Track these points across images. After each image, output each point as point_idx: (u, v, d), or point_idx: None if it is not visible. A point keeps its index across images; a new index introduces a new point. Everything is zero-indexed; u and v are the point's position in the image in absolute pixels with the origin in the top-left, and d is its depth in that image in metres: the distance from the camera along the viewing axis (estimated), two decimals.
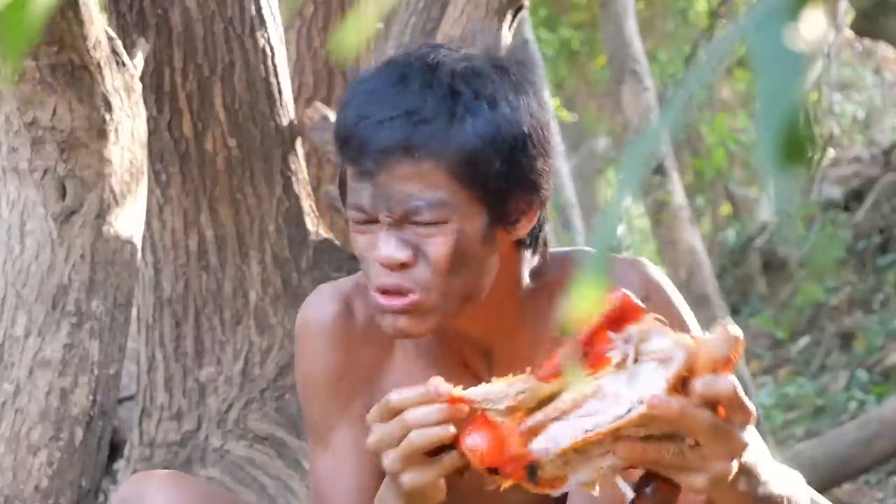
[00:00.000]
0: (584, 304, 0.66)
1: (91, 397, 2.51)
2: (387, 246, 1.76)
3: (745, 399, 1.56)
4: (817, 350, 7.69)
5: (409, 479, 1.65)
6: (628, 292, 1.62)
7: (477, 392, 1.62)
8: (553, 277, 1.88)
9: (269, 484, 3.03)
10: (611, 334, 1.59)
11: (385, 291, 1.77)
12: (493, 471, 1.61)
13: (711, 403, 1.54)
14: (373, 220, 1.77)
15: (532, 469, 1.60)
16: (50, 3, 0.75)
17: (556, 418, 1.59)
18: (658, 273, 1.93)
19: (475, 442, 1.61)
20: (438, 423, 1.62)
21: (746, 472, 1.61)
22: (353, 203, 1.78)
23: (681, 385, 1.54)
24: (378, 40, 3.74)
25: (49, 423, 2.48)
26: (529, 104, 1.78)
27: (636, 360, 1.57)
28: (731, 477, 1.58)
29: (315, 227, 3.14)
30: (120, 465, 3.63)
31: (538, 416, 1.59)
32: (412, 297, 1.77)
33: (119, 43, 2.59)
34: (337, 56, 3.50)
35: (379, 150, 1.73)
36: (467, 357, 1.91)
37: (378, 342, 1.92)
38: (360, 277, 1.93)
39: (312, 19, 3.71)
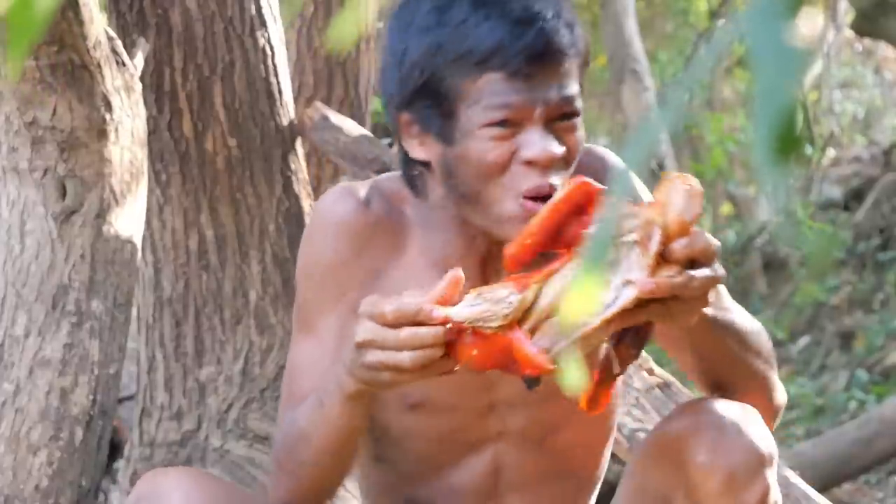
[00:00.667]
0: (582, 298, 0.66)
1: (91, 397, 2.51)
2: (546, 142, 1.75)
3: (711, 239, 1.63)
4: (817, 350, 7.69)
5: (386, 377, 1.67)
6: (586, 178, 1.65)
7: (467, 314, 1.63)
8: None
9: (269, 483, 3.03)
10: (583, 225, 1.62)
11: (533, 197, 1.75)
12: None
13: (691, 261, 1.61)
14: (517, 124, 1.76)
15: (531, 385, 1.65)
16: (53, 3, 0.75)
17: (548, 316, 1.61)
18: (615, 157, 1.95)
19: (474, 358, 1.64)
20: (432, 346, 1.63)
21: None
22: (500, 103, 1.76)
23: (659, 255, 1.59)
24: (379, 39, 3.74)
25: (49, 422, 2.48)
26: None
27: (611, 242, 1.60)
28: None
29: None
30: (120, 464, 3.63)
31: (530, 321, 1.61)
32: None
33: (119, 43, 2.59)
34: (334, 49, 3.50)
35: (542, 50, 1.75)
36: (479, 264, 1.89)
37: (391, 239, 1.90)
38: (382, 180, 1.94)
39: (312, 19, 3.71)
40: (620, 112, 8.26)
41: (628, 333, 1.65)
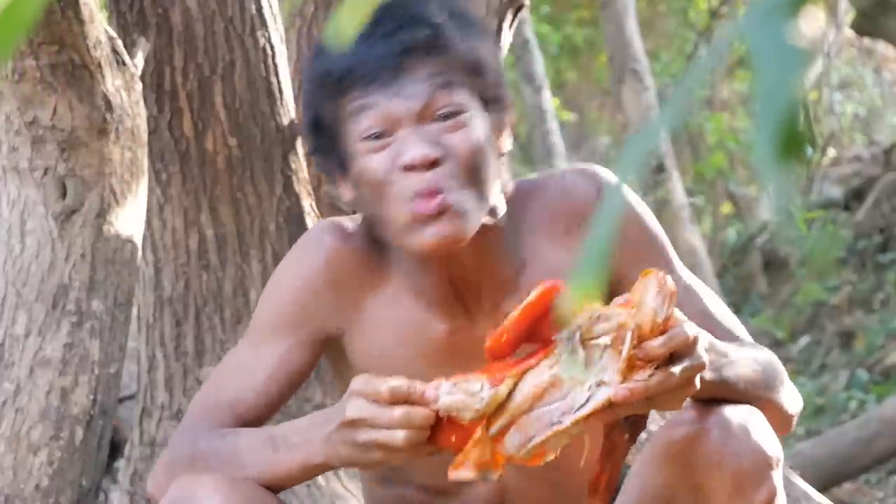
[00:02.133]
0: (578, 302, 0.67)
1: (91, 396, 2.51)
2: (417, 146, 1.75)
3: (689, 330, 1.63)
4: (818, 349, 7.69)
5: (377, 456, 1.68)
6: (557, 283, 1.65)
7: (442, 402, 1.65)
8: (519, 208, 1.90)
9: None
10: (559, 325, 1.63)
11: (419, 197, 1.76)
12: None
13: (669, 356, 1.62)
14: (389, 132, 1.76)
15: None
16: (39, 5, 0.75)
17: (523, 413, 1.63)
18: (609, 176, 1.94)
19: (453, 444, 1.66)
20: (421, 428, 1.64)
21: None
22: (368, 115, 1.76)
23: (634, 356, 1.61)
24: None
25: (49, 422, 2.48)
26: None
27: (584, 344, 1.61)
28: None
29: None
30: (120, 464, 3.63)
31: (504, 416, 1.64)
32: (446, 197, 1.75)
33: (119, 42, 2.59)
34: (332, 43, 3.50)
35: (396, 53, 1.74)
36: (454, 291, 1.90)
37: (373, 272, 1.91)
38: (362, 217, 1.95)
39: (313, 18, 3.70)
40: (621, 112, 8.26)
41: (619, 423, 1.67)
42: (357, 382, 1.68)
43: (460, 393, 1.64)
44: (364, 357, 1.91)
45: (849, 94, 11.51)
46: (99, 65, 2.47)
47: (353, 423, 1.67)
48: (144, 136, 2.62)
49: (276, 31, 3.09)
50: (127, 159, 2.56)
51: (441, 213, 1.75)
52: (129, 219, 2.58)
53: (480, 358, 1.71)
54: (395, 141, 1.76)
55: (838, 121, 10.74)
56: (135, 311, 3.12)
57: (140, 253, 2.66)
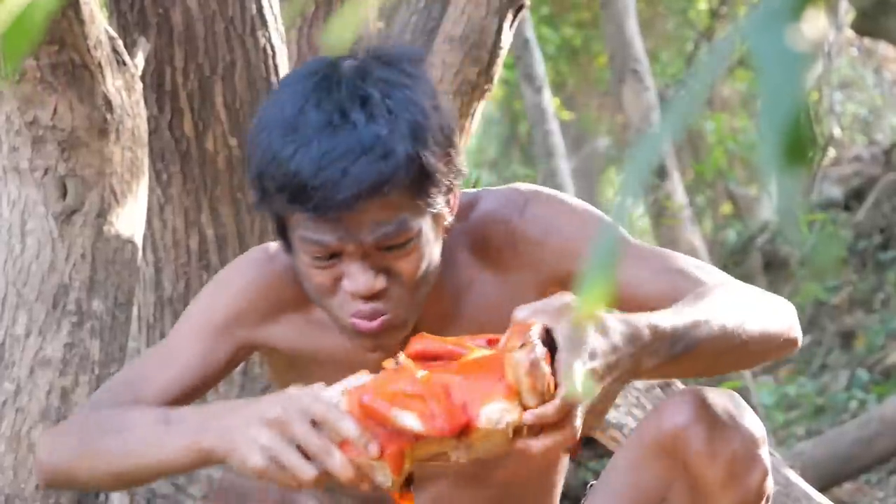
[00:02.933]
0: (590, 304, 0.66)
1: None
2: (364, 278, 1.76)
3: (569, 394, 1.60)
4: (818, 349, 7.69)
5: (267, 469, 1.67)
6: (429, 342, 1.68)
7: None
8: (451, 238, 1.88)
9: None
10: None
11: (360, 317, 1.78)
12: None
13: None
14: (335, 256, 1.77)
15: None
16: (51, 7, 0.75)
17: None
18: (537, 192, 1.92)
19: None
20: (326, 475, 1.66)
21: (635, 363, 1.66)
22: (312, 241, 1.76)
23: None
24: (379, 39, 3.74)
25: (50, 422, 2.48)
26: (433, 92, 1.80)
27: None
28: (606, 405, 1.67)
29: None
30: None
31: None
32: (388, 316, 1.78)
33: (120, 42, 2.59)
34: (330, 50, 3.50)
35: (349, 196, 1.71)
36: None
37: (298, 291, 1.91)
38: None
39: (313, 18, 3.70)
40: (621, 111, 8.25)
41: None
42: (299, 389, 1.69)
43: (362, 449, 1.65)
44: (291, 376, 1.91)
45: (849, 94, 11.51)
46: (99, 65, 2.46)
47: (271, 423, 1.66)
48: (145, 136, 2.62)
49: (277, 31, 3.09)
50: (127, 159, 2.56)
51: (380, 330, 1.78)
52: (130, 219, 2.58)
53: None
54: (340, 263, 1.77)
55: (838, 121, 10.74)
56: (135, 311, 3.12)
57: (140, 253, 2.66)
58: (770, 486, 1.84)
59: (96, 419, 1.89)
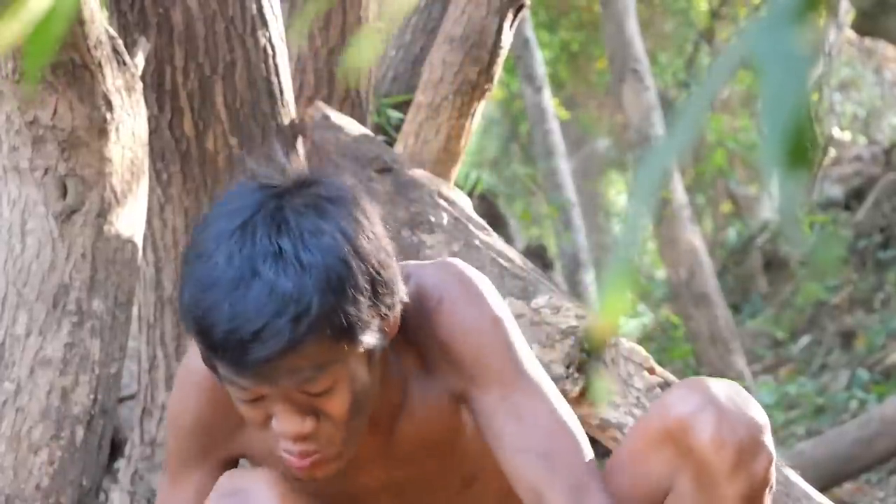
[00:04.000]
0: (610, 314, 0.66)
1: (92, 396, 2.51)
2: (290, 423, 1.75)
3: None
4: (818, 349, 7.69)
5: None
6: None
7: None
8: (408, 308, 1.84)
9: None
10: None
11: (292, 456, 1.78)
12: None
13: None
14: (261, 399, 1.75)
15: None
16: (70, 13, 0.75)
17: None
18: (468, 270, 1.88)
19: None
20: None
21: None
22: (234, 385, 1.74)
23: None
24: (379, 38, 3.73)
25: (50, 421, 2.48)
26: (355, 232, 1.74)
27: None
28: None
29: None
30: (121, 464, 3.63)
31: None
32: (319, 456, 1.78)
33: (120, 42, 2.58)
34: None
35: (261, 357, 1.69)
36: None
37: None
38: None
39: (313, 18, 3.70)
40: (621, 111, 8.25)
41: None
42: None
43: None
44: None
45: (849, 94, 11.51)
46: (99, 64, 2.46)
47: None
48: (145, 135, 2.61)
49: (277, 30, 3.09)
50: (127, 159, 2.56)
51: (313, 466, 1.79)
52: (130, 218, 2.58)
53: (372, 473, 1.83)
54: (266, 403, 1.76)
55: (838, 121, 10.75)
56: (135, 310, 3.12)
57: (141, 252, 2.66)
58: (774, 473, 1.86)
59: None
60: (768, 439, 1.84)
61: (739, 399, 1.83)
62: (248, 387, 1.74)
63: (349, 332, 1.71)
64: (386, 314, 1.76)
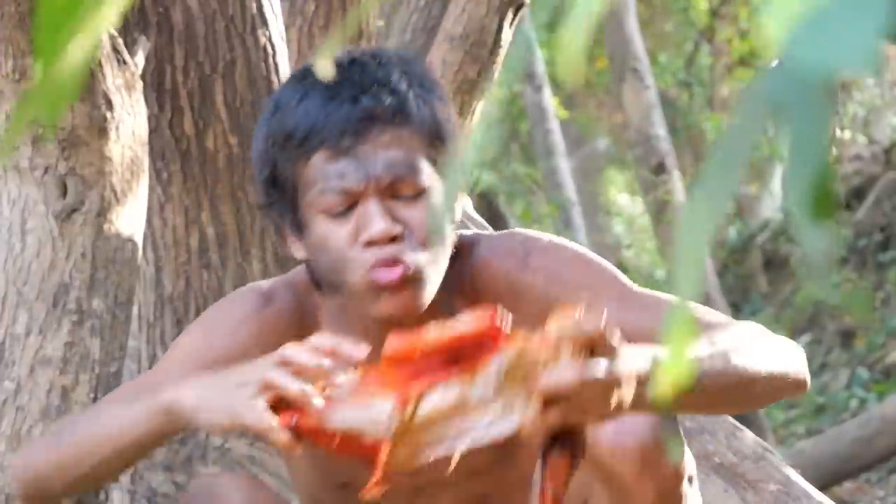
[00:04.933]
0: (674, 366, 0.65)
1: (92, 396, 2.51)
2: (381, 220, 1.74)
3: (609, 337, 1.55)
4: (818, 348, 7.69)
5: (255, 418, 1.62)
6: (497, 312, 1.62)
7: (341, 422, 1.63)
8: (450, 271, 1.85)
9: (269, 482, 3.03)
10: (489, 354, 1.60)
11: (380, 267, 1.75)
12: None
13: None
14: (351, 205, 1.75)
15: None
16: (85, 63, 0.75)
17: (419, 430, 1.61)
18: (536, 246, 1.89)
19: (334, 448, 1.64)
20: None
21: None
22: (331, 187, 1.74)
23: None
24: (379, 39, 3.74)
25: (50, 421, 2.48)
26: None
27: (505, 375, 1.58)
28: (627, 402, 1.57)
29: None
30: None
31: (404, 436, 1.61)
32: (407, 268, 1.76)
33: (120, 41, 2.58)
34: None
35: (359, 119, 1.71)
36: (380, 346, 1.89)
37: (296, 330, 1.87)
38: (292, 274, 1.93)
39: (314, 17, 3.70)
40: (621, 111, 8.25)
41: (553, 449, 1.62)
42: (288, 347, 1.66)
43: (362, 411, 1.62)
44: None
45: (849, 93, 11.50)
46: (99, 63, 2.46)
47: (241, 381, 1.64)
48: (145, 134, 2.61)
49: (277, 29, 3.09)
50: (127, 158, 2.56)
51: (401, 283, 1.75)
52: (130, 217, 2.58)
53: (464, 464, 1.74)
54: (355, 214, 1.75)
55: (839, 120, 10.75)
56: (136, 309, 3.12)
57: (141, 252, 2.66)
58: (689, 460, 1.80)
59: (62, 425, 1.88)
60: (675, 433, 1.78)
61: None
62: (345, 183, 1.72)
63: (439, 138, 1.76)
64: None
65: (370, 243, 1.75)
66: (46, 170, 2.50)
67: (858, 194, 8.52)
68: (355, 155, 1.73)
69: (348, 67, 1.75)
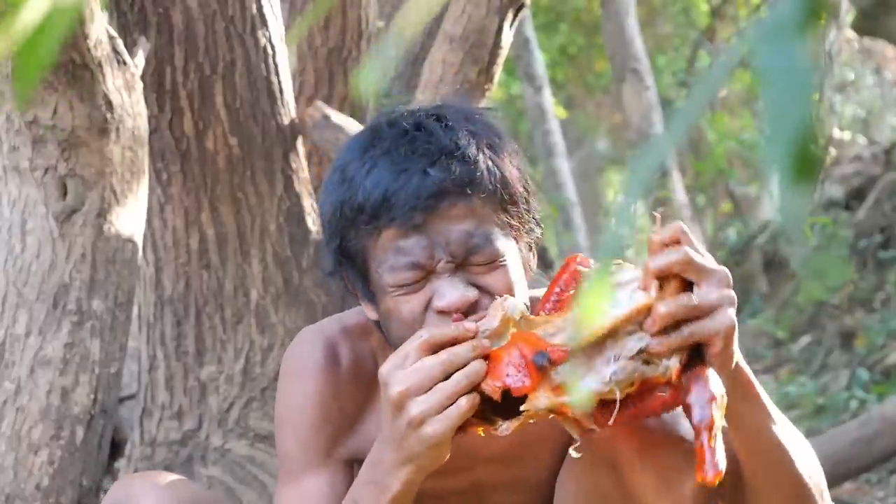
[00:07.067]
0: (591, 310, 0.66)
1: (92, 396, 2.51)
2: (455, 289, 1.70)
3: (710, 263, 1.59)
4: (818, 349, 7.69)
5: (433, 428, 1.60)
6: (578, 255, 1.71)
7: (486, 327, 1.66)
8: None
9: (269, 483, 3.03)
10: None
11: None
12: (497, 414, 1.63)
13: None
14: (423, 278, 1.72)
15: (543, 364, 1.61)
16: (68, 21, 0.74)
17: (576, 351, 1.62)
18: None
19: (508, 376, 1.62)
20: (468, 366, 1.60)
21: (742, 379, 1.69)
22: (402, 264, 1.71)
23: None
24: (379, 39, 3.73)
25: (50, 421, 2.48)
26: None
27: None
28: (735, 343, 1.63)
29: (316, 225, 3.14)
30: (121, 463, 3.63)
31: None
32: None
33: (120, 42, 2.58)
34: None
35: (430, 195, 1.68)
36: None
37: (362, 384, 1.88)
38: (346, 318, 1.91)
39: (314, 20, 3.70)
40: (621, 111, 8.25)
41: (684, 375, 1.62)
42: (384, 369, 1.64)
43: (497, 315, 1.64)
44: None
45: (849, 94, 11.51)
46: (100, 64, 2.46)
47: (401, 399, 1.61)
48: (145, 135, 2.61)
49: (277, 30, 3.08)
50: (127, 159, 2.56)
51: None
52: (130, 218, 2.58)
53: (487, 448, 1.76)
54: (431, 282, 1.72)
55: (838, 121, 10.75)
56: (135, 310, 3.12)
57: (141, 252, 2.66)
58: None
59: None
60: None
61: (674, 421, 1.77)
62: (417, 257, 1.70)
63: (511, 202, 1.73)
64: (532, 232, 1.78)
65: (444, 312, 1.72)
66: (47, 170, 2.50)
67: (858, 195, 8.52)
68: (426, 231, 1.70)
69: (415, 133, 1.72)
